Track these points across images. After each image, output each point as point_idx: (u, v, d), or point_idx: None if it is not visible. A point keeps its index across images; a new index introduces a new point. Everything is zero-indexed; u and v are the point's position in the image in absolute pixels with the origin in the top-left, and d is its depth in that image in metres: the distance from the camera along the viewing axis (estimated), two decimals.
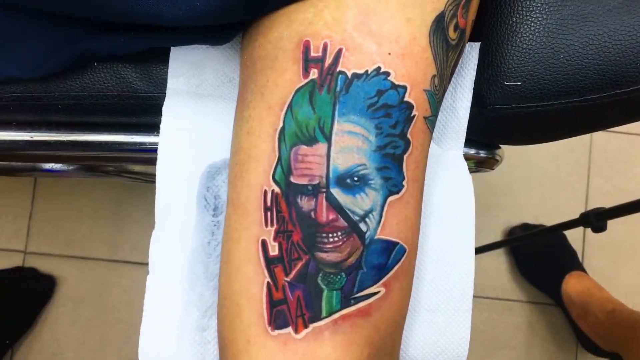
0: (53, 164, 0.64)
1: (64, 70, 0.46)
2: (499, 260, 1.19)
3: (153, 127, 0.49)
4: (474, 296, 1.13)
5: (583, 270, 1.15)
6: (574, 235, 1.18)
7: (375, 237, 0.36)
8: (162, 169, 0.44)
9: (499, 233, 1.18)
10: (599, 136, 1.21)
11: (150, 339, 0.42)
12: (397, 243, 0.37)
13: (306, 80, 0.36)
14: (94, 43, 0.43)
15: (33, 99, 0.48)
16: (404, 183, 0.37)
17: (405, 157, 0.37)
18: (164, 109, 0.45)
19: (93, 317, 1.11)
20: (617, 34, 0.44)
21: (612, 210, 0.81)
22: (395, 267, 0.37)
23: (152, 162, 0.47)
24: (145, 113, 0.49)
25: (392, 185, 0.37)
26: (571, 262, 1.14)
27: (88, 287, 1.12)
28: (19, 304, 1.09)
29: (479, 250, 1.09)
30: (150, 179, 0.74)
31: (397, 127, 0.37)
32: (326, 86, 0.36)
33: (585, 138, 1.21)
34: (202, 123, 0.45)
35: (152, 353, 0.42)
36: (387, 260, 0.37)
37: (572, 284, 1.10)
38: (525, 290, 1.19)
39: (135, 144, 0.51)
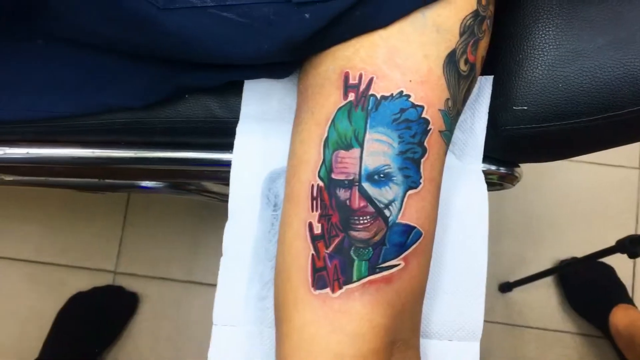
0: (148, 182, 0.78)
1: (163, 100, 0.59)
2: (549, 292, 1.24)
3: (228, 147, 0.61)
4: (524, 326, 1.20)
5: (632, 303, 1.18)
6: (624, 270, 1.22)
7: (397, 221, 0.45)
8: (235, 175, 0.56)
9: (548, 266, 1.23)
10: None
11: (222, 306, 0.53)
12: (415, 227, 0.46)
13: (345, 101, 0.47)
14: (186, 78, 0.56)
15: (138, 123, 0.60)
16: (421, 181, 0.46)
17: (422, 160, 0.47)
18: (238, 130, 0.57)
19: (171, 332, 1.23)
20: (606, 67, 0.53)
21: None
22: (413, 246, 0.46)
23: (227, 179, 0.58)
24: (223, 134, 0.60)
25: (412, 182, 0.46)
26: (619, 295, 1.18)
27: (167, 306, 1.25)
28: (108, 318, 1.23)
29: (527, 280, 1.15)
30: (224, 198, 0.86)
31: (415, 137, 0.47)
32: (360, 105, 0.46)
33: (633, 176, 1.26)
34: (266, 140, 0.56)
35: (223, 316, 0.53)
36: (406, 240, 0.46)
37: (619, 316, 1.13)
38: (575, 322, 1.22)
39: (214, 160, 0.63)
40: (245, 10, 0.47)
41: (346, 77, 0.47)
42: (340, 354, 0.43)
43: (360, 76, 0.47)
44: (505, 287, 1.21)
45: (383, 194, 0.45)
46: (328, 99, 0.48)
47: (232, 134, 0.58)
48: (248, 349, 0.53)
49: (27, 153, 0.64)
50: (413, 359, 0.49)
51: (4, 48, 0.57)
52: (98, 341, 1.21)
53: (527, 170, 1.27)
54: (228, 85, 0.58)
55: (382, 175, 0.45)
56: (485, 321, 1.23)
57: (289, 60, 0.52)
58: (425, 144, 0.47)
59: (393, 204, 0.45)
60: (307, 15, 0.47)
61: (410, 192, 0.46)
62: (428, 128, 0.47)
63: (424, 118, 0.47)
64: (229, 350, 0.53)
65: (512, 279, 1.20)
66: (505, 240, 1.25)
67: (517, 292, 1.22)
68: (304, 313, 0.45)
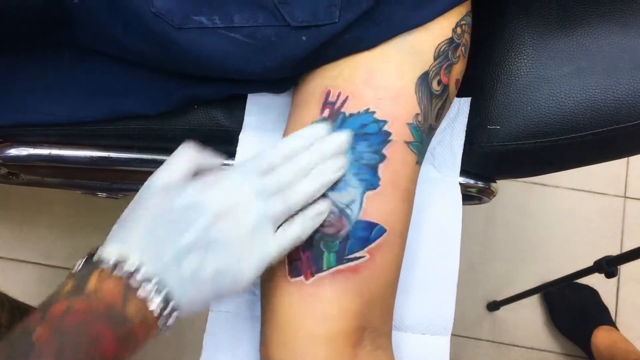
0: None
1: (175, 109, 0.65)
2: (535, 312, 1.28)
3: (231, 153, 0.66)
4: (510, 344, 1.24)
5: (614, 325, 1.22)
6: (608, 294, 1.27)
7: (358, 218, 0.51)
8: None
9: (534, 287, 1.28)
10: (631, 203, 1.32)
11: None
12: (377, 224, 0.51)
13: (320, 117, 0.54)
14: (196, 90, 0.62)
15: (151, 130, 0.66)
16: (380, 183, 0.52)
17: (380, 165, 0.52)
18: (240, 137, 0.64)
19: (169, 338, 1.29)
20: (570, 93, 0.59)
21: (620, 256, 0.92)
22: (377, 241, 0.51)
23: None
24: (227, 142, 0.66)
25: (369, 184, 0.51)
26: (602, 317, 1.22)
27: None
28: None
29: (513, 299, 1.20)
30: None
31: (372, 146, 0.52)
32: (331, 121, 0.53)
33: (618, 204, 1.32)
34: (264, 146, 0.63)
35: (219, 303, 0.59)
36: (369, 234, 0.51)
37: (600, 337, 1.18)
38: (560, 342, 1.27)
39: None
40: (250, 31, 0.54)
41: (327, 94, 0.54)
42: (312, 333, 0.49)
43: (338, 95, 0.54)
44: (493, 306, 1.26)
45: (342, 197, 0.51)
46: (308, 114, 0.55)
47: (235, 142, 0.64)
48: (239, 332, 0.58)
49: (50, 154, 0.70)
50: (384, 345, 0.54)
51: (30, 56, 0.63)
52: None
53: (518, 195, 1.33)
54: (233, 98, 0.65)
55: (339, 182, 0.51)
56: (472, 338, 1.29)
57: (287, 77, 0.59)
58: (383, 151, 0.53)
59: (353, 204, 0.51)
60: (303, 38, 0.54)
61: (368, 192, 0.51)
62: (388, 139, 0.53)
63: (385, 131, 0.53)
64: (223, 333, 0.58)
65: (499, 298, 1.25)
66: (494, 260, 1.31)
67: (504, 311, 1.27)
68: (281, 298, 0.51)
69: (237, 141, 0.64)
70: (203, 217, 0.45)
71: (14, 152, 0.70)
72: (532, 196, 1.33)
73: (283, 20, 0.53)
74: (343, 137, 0.51)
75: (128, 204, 0.50)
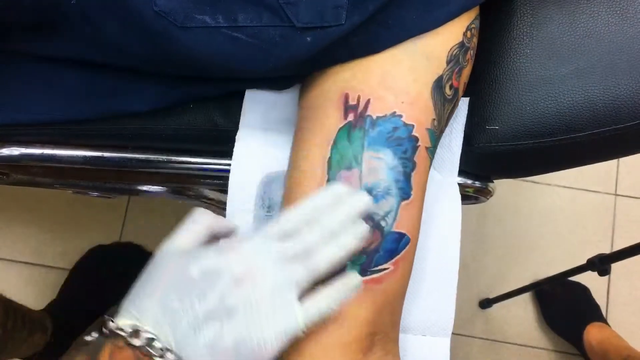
0: (149, 186, 0.83)
1: (169, 107, 0.64)
2: (527, 309, 1.29)
3: (227, 154, 0.66)
4: (503, 341, 1.24)
5: (605, 322, 1.23)
6: (599, 291, 1.28)
7: (392, 230, 0.50)
8: (233, 177, 0.61)
9: (527, 284, 1.28)
10: (622, 200, 1.33)
11: None
12: (405, 234, 0.51)
13: (345, 122, 0.52)
14: (192, 87, 0.61)
15: (145, 130, 0.65)
16: (412, 192, 0.52)
17: (412, 173, 0.52)
18: (237, 137, 0.63)
19: None
20: (569, 93, 0.59)
21: (613, 254, 0.93)
22: (403, 252, 0.51)
23: (224, 185, 0.63)
24: (224, 142, 0.65)
25: (404, 193, 0.51)
26: (594, 314, 1.23)
27: None
28: (126, 273, 1.26)
29: (506, 297, 1.21)
30: (221, 206, 0.91)
31: (406, 152, 0.52)
32: (358, 126, 0.52)
33: (609, 202, 1.33)
34: (263, 147, 0.62)
35: None
36: (397, 245, 0.51)
37: (593, 334, 1.19)
38: (552, 339, 1.27)
39: (214, 164, 0.69)
40: (254, 31, 0.53)
41: (346, 98, 0.53)
42: (325, 340, 0.48)
43: (359, 98, 0.53)
44: (485, 304, 1.27)
45: (381, 207, 0.50)
46: (329, 119, 0.53)
47: (232, 141, 0.63)
48: None
49: (42, 153, 0.69)
50: (393, 351, 0.54)
51: (24, 55, 0.61)
52: (114, 295, 1.25)
53: (509, 192, 1.34)
54: (230, 96, 0.64)
55: (379, 190, 0.51)
56: (465, 336, 1.29)
57: (291, 75, 0.58)
58: (415, 159, 0.52)
59: (389, 215, 0.51)
60: (308, 39, 0.53)
61: (403, 202, 0.51)
62: (417, 145, 0.53)
63: (414, 135, 0.52)
64: None
65: (491, 296, 1.26)
66: (486, 258, 1.31)
67: (496, 309, 1.28)
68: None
69: (234, 141, 0.63)
70: (220, 283, 0.43)
71: (5, 152, 0.69)
72: (523, 194, 1.34)
73: (288, 21, 0.52)
74: (366, 200, 0.49)
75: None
